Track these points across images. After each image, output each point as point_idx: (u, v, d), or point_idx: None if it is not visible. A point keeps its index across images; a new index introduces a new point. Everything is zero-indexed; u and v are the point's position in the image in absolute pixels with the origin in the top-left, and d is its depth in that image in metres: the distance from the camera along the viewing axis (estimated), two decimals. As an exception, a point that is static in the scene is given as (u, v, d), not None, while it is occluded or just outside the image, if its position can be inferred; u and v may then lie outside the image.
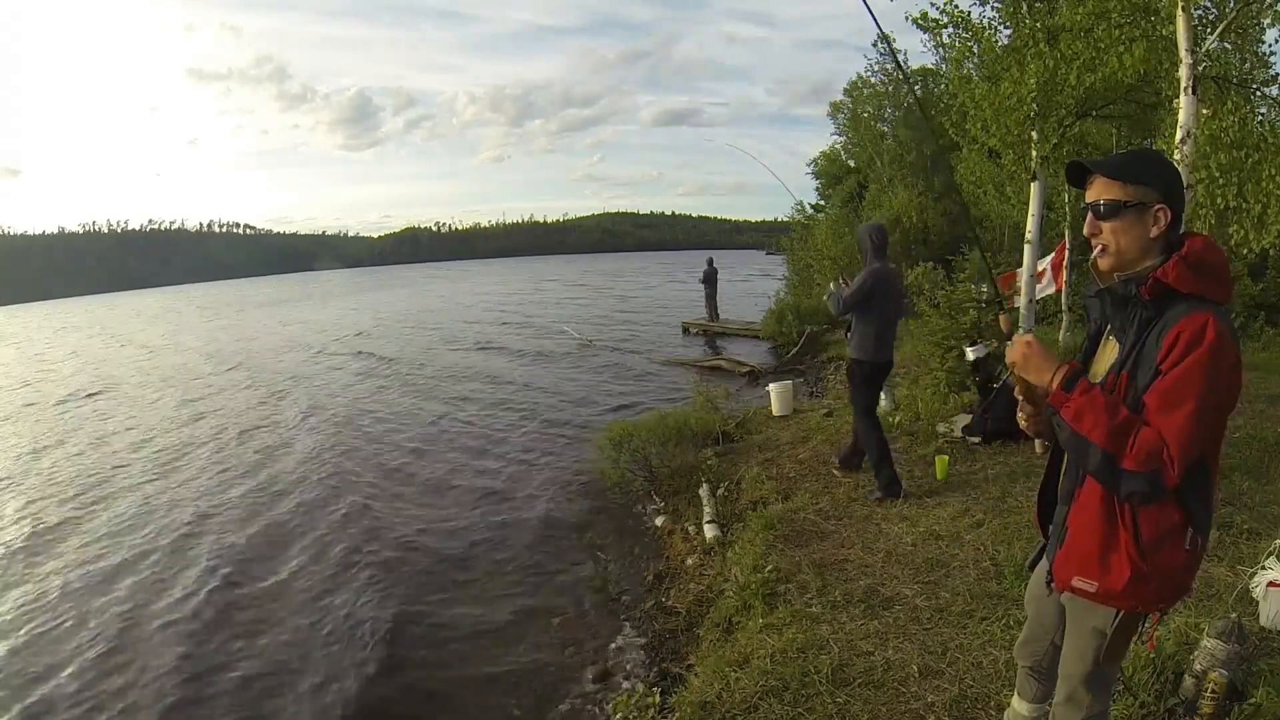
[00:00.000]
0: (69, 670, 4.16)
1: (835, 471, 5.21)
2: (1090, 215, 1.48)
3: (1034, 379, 1.47)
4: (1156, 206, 1.42)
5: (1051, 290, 8.66)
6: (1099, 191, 1.46)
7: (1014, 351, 1.50)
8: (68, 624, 4.72)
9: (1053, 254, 8.72)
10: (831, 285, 4.94)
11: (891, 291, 4.65)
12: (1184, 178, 5.28)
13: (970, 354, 1.61)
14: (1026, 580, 3.23)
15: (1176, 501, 1.38)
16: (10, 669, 4.25)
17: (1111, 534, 1.43)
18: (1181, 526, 1.40)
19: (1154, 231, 1.42)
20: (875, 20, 2.06)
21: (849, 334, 4.73)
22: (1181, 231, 1.46)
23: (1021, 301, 7.93)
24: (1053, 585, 1.60)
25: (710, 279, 17.41)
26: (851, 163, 23.17)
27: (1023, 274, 8.04)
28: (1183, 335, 1.32)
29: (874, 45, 18.37)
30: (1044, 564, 1.68)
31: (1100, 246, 1.48)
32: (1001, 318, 1.80)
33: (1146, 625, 1.53)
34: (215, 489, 7.27)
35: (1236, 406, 1.42)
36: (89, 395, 13.81)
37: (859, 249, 4.84)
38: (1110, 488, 1.38)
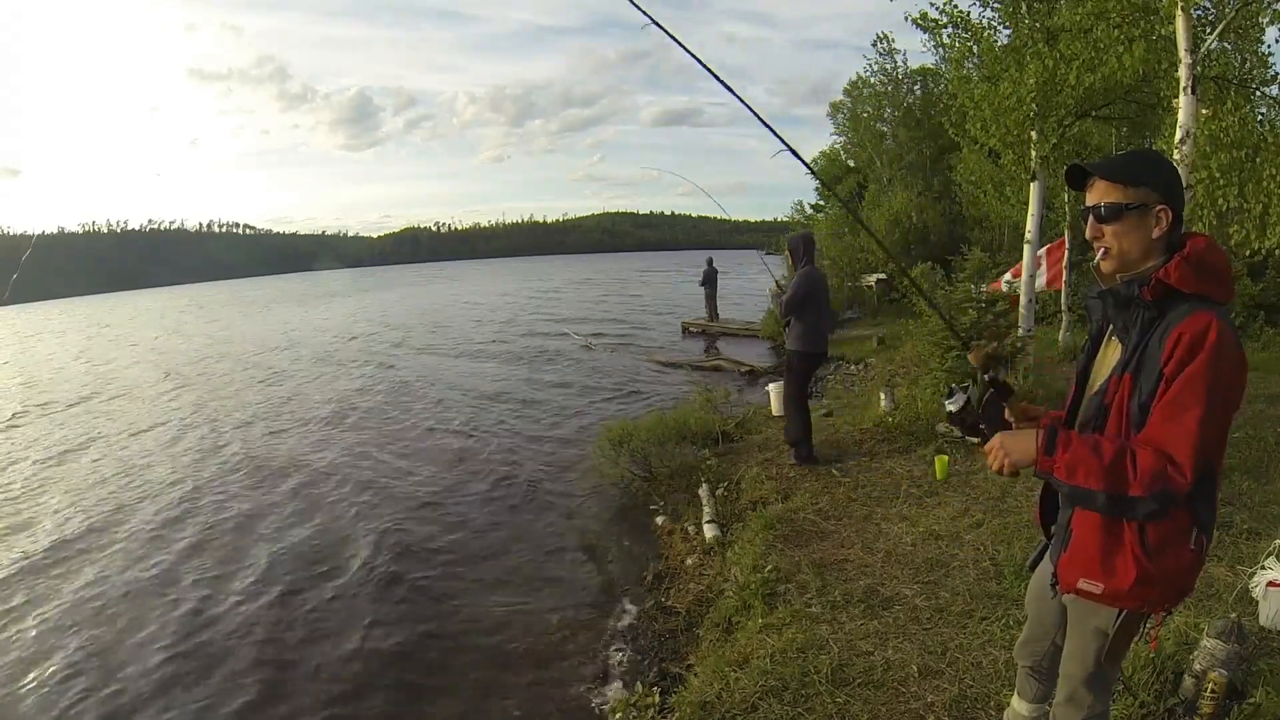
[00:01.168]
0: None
1: (792, 463, 5.54)
2: (1091, 219, 1.47)
3: (1024, 465, 1.44)
4: (1158, 207, 1.41)
5: (1043, 282, 8.64)
6: (1100, 194, 1.45)
7: (993, 461, 1.49)
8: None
9: (1048, 246, 8.69)
10: (770, 299, 5.47)
11: (820, 291, 5.33)
12: (1184, 178, 5.28)
13: (950, 406, 1.53)
14: (1026, 580, 3.24)
15: (1183, 503, 1.37)
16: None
17: (1116, 536, 1.42)
18: (1187, 528, 1.39)
19: (1156, 233, 1.42)
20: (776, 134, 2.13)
21: (787, 330, 5.43)
22: (1183, 231, 1.46)
23: (1021, 301, 7.95)
24: (1057, 587, 1.59)
25: (710, 279, 17.40)
26: (851, 163, 23.19)
27: (1022, 273, 8.05)
28: (1184, 337, 1.32)
29: (873, 45, 18.37)
30: (1046, 565, 1.68)
31: (1103, 250, 1.47)
32: (971, 354, 1.74)
33: (1149, 626, 1.53)
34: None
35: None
36: (180, 388, 13.84)
37: (790, 257, 5.47)
38: (1126, 518, 1.38)
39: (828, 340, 5.48)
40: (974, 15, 7.50)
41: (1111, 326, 1.54)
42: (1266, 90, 5.92)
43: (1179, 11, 5.20)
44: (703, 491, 5.47)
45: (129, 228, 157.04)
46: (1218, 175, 5.24)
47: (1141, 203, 1.41)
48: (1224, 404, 1.33)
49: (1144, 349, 1.40)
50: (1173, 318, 1.36)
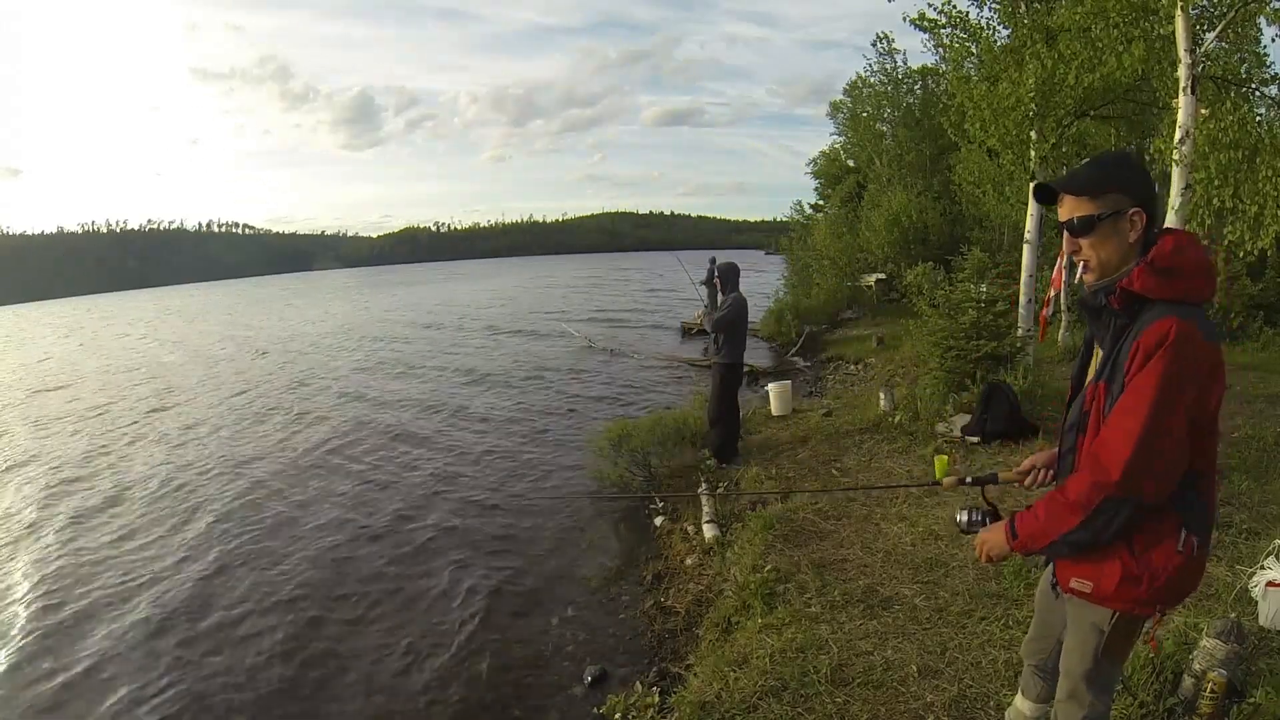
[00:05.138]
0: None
1: (717, 463, 6.03)
2: (1067, 233, 1.49)
3: (1002, 553, 1.58)
4: (1130, 211, 1.42)
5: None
6: (1071, 209, 1.47)
7: (980, 556, 1.64)
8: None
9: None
10: (698, 318, 6.54)
11: (744, 314, 6.13)
12: (1183, 178, 5.28)
13: (960, 519, 1.79)
14: (1026, 580, 3.24)
15: (1169, 505, 1.39)
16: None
17: None
18: (1174, 529, 1.40)
19: (1132, 236, 1.43)
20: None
21: (719, 346, 6.11)
22: (1157, 230, 1.46)
23: (1021, 301, 7.95)
24: (1057, 587, 1.61)
25: (711, 279, 17.38)
26: (851, 163, 23.15)
27: (1022, 274, 8.05)
28: (1142, 345, 1.33)
29: (873, 45, 18.34)
30: (1050, 565, 1.70)
31: (1083, 262, 1.49)
32: (946, 481, 2.03)
33: (1148, 627, 1.54)
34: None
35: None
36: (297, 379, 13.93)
37: (720, 282, 6.17)
38: (1098, 543, 1.42)
39: (744, 353, 6.37)
40: (972, 15, 7.51)
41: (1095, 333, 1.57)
42: (1265, 91, 5.92)
43: (1178, 11, 5.20)
44: (702, 491, 5.46)
45: (129, 228, 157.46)
46: (1215, 175, 5.24)
47: (1113, 210, 1.42)
48: (1181, 403, 1.32)
49: (1116, 357, 1.41)
50: (1142, 324, 1.37)
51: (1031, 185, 1.64)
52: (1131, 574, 1.42)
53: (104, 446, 9.41)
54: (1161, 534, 1.40)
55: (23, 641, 4.43)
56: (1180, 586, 1.45)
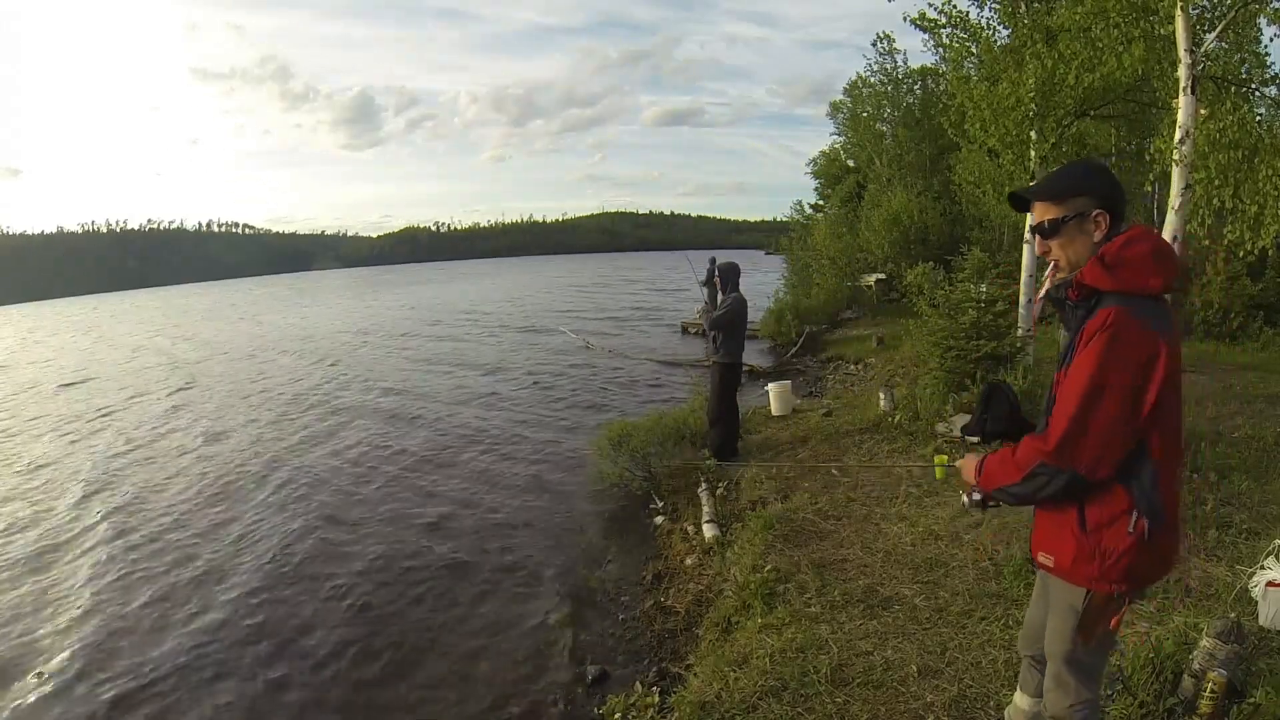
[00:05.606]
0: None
1: (718, 463, 5.98)
2: (1037, 237, 1.61)
3: (972, 479, 1.78)
4: (1095, 212, 1.51)
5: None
6: (1040, 214, 1.59)
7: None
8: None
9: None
10: (699, 315, 6.97)
11: (743, 313, 6.19)
12: (1183, 178, 5.27)
13: (963, 498, 1.92)
14: (1025, 580, 3.24)
15: (1120, 486, 1.46)
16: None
17: (1061, 513, 1.55)
18: (1124, 511, 1.46)
19: (1097, 235, 1.52)
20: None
21: (716, 345, 6.14)
22: (1121, 229, 1.53)
23: (1020, 301, 7.95)
24: (1036, 563, 1.70)
25: (711, 279, 17.35)
26: (851, 163, 23.15)
27: (1022, 274, 8.05)
28: (1086, 330, 1.44)
29: (874, 45, 18.33)
30: None
31: (1053, 263, 1.61)
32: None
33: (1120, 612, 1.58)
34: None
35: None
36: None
37: (720, 282, 6.18)
38: (1037, 499, 1.54)
39: (742, 353, 6.37)
40: (973, 15, 7.50)
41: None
42: (1265, 91, 5.91)
43: (1178, 11, 5.20)
44: (702, 491, 5.46)
45: (129, 228, 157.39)
46: (1215, 175, 5.23)
47: (1077, 213, 1.52)
48: (1114, 384, 1.39)
49: (1075, 344, 1.51)
50: (1092, 313, 1.47)
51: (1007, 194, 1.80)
52: (1085, 550, 1.50)
53: (137, 441, 9.50)
54: (1112, 514, 1.47)
55: (76, 647, 4.31)
56: (1141, 572, 1.51)
